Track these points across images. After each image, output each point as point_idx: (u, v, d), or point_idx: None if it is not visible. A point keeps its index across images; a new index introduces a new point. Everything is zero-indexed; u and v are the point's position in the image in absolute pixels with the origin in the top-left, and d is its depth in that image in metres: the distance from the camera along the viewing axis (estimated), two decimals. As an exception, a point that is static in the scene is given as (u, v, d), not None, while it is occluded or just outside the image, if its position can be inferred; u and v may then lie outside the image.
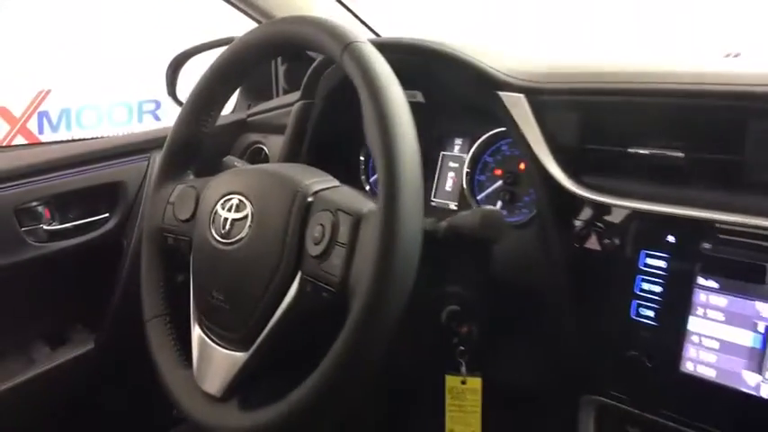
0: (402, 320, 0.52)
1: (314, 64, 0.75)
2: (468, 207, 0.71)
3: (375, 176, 0.85)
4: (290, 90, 1.02)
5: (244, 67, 0.58)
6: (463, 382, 0.57)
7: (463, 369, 0.57)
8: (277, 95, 1.05)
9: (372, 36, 1.01)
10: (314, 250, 0.46)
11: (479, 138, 0.70)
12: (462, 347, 0.57)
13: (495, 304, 0.59)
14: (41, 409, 0.80)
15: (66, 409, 0.82)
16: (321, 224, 0.47)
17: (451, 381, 0.57)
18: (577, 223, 0.50)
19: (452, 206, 0.75)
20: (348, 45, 0.46)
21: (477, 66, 0.57)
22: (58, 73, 2.78)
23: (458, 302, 0.60)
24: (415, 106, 0.66)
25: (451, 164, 0.77)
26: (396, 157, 0.42)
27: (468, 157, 0.72)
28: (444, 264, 0.58)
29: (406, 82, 0.67)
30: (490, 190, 0.70)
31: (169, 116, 0.92)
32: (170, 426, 0.91)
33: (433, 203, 0.77)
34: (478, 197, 0.71)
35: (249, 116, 0.97)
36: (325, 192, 0.50)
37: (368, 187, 0.84)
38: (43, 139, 2.94)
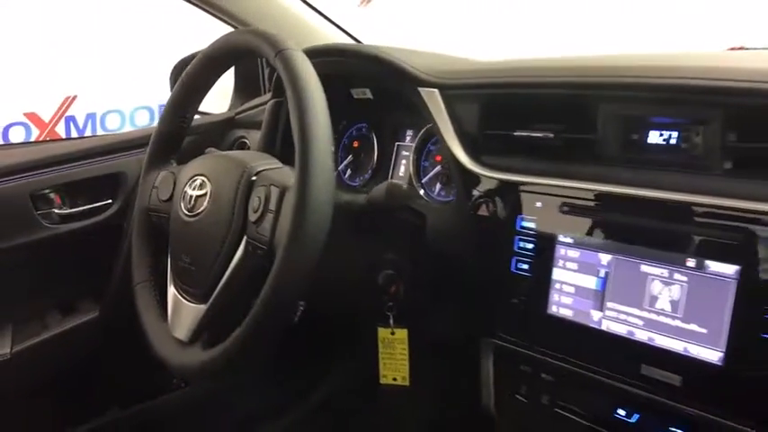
0: (345, 279, 0.64)
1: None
2: (415, 190, 0.82)
3: (343, 163, 0.96)
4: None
5: (209, 74, 0.71)
6: (392, 333, 0.68)
7: (391, 322, 0.67)
8: (264, 94, 1.17)
9: (351, 41, 1.12)
10: (253, 217, 0.58)
11: (423, 129, 0.81)
12: (390, 304, 0.68)
13: (424, 268, 0.69)
14: (53, 367, 0.94)
15: (74, 369, 0.95)
16: (258, 196, 0.58)
17: (382, 332, 0.68)
18: (475, 194, 0.61)
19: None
20: (279, 51, 0.58)
21: (398, 65, 0.68)
22: (83, 79, 2.96)
23: (392, 267, 0.70)
24: (367, 101, 0.78)
25: (404, 152, 0.87)
26: (309, 144, 0.53)
27: (413, 146, 0.83)
28: (381, 234, 0.69)
29: (358, 81, 0.79)
30: (432, 174, 0.81)
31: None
32: (169, 387, 1.05)
33: (391, 186, 0.88)
34: (423, 180, 0.82)
35: (237, 114, 1.09)
36: (267, 171, 0.61)
37: (335, 171, 0.96)
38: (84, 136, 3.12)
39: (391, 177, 0.88)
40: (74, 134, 3.10)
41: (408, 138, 0.87)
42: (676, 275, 0.46)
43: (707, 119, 0.47)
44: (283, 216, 0.55)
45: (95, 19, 2.87)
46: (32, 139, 3.05)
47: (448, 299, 0.66)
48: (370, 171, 0.91)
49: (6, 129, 2.98)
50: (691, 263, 0.46)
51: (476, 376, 0.63)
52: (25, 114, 3.04)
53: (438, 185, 0.79)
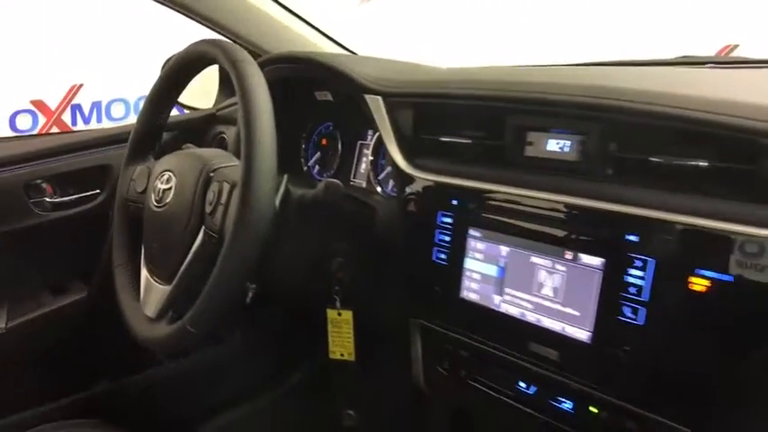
0: (300, 266, 0.72)
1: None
2: (373, 186, 0.90)
3: (312, 159, 1.05)
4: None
5: (179, 78, 0.79)
6: (339, 314, 0.76)
7: (338, 304, 0.76)
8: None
9: (344, 52, 1.19)
10: (208, 209, 0.67)
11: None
12: (337, 288, 0.76)
13: (370, 256, 0.78)
14: (46, 342, 1.04)
15: (65, 344, 1.05)
16: (213, 191, 0.67)
17: (331, 313, 0.77)
18: (407, 191, 0.69)
19: (364, 185, 0.94)
20: (233, 62, 0.66)
21: (346, 73, 0.76)
22: (89, 67, 3.05)
23: (342, 255, 0.79)
24: (329, 103, 0.86)
25: (365, 151, 0.95)
26: (253, 147, 0.61)
27: (371, 146, 0.90)
28: (332, 225, 0.78)
29: (320, 85, 0.87)
30: (385, 172, 0.89)
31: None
32: (152, 362, 1.14)
33: (352, 183, 0.96)
34: (379, 177, 0.90)
35: (218, 110, 1.17)
36: (222, 168, 0.70)
37: (306, 168, 1.04)
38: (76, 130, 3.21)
39: (353, 174, 0.97)
40: (79, 122, 3.20)
41: (369, 137, 0.95)
42: (557, 266, 0.54)
43: (589, 131, 0.54)
44: (231, 209, 0.63)
45: (102, 7, 2.95)
46: (39, 126, 3.16)
47: (388, 284, 0.74)
48: (335, 167, 0.99)
49: (13, 116, 3.09)
50: (568, 255, 0.54)
51: (409, 353, 0.72)
52: (32, 102, 3.14)
53: (391, 182, 0.87)
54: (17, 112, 3.12)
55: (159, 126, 0.86)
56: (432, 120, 0.69)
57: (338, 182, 0.67)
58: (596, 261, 0.51)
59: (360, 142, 0.96)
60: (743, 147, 0.44)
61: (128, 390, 1.11)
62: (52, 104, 3.19)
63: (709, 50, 2.10)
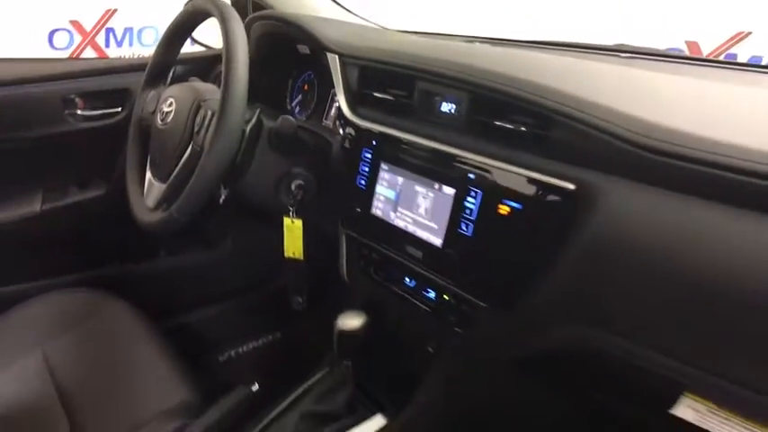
0: (267, 182, 0.96)
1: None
2: (336, 128, 1.13)
3: (295, 101, 1.28)
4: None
5: (185, 26, 1.03)
6: (292, 222, 1.01)
7: (292, 214, 1.00)
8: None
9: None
10: (196, 129, 0.91)
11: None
12: (292, 202, 1.00)
13: (321, 179, 1.01)
14: (71, 226, 1.32)
15: (86, 230, 1.33)
16: (201, 116, 0.91)
17: (286, 221, 1.01)
18: (344, 132, 0.92)
19: (331, 126, 1.16)
20: (224, 19, 0.88)
21: (311, 33, 0.98)
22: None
23: (302, 179, 1.03)
24: (308, 56, 1.08)
25: (336, 97, 1.18)
26: (229, 84, 0.84)
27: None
28: (296, 153, 1.01)
29: (300, 40, 1.09)
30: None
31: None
32: (157, 253, 1.42)
33: (324, 123, 1.19)
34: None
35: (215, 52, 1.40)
36: (209, 100, 0.94)
37: (289, 108, 1.27)
38: (108, 52, 3.46)
39: (325, 116, 1.19)
40: (112, 45, 3.43)
41: (340, 86, 1.17)
42: (429, 193, 0.78)
43: (462, 99, 0.76)
44: (210, 130, 0.87)
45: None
46: (74, 44, 3.40)
47: (329, 202, 0.98)
48: (311, 108, 1.22)
49: (51, 33, 3.33)
50: (436, 186, 0.77)
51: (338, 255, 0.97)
52: (70, 21, 3.37)
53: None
54: (54, 30, 3.36)
55: (170, 61, 1.10)
56: (369, 79, 0.91)
57: (290, 118, 0.91)
58: (451, 191, 0.75)
59: (332, 90, 1.18)
60: (541, 118, 0.66)
61: (132, 272, 1.39)
62: (87, 26, 3.41)
63: (721, 37, 2.23)
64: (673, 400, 0.60)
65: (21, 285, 1.28)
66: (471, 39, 1.36)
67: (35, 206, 1.27)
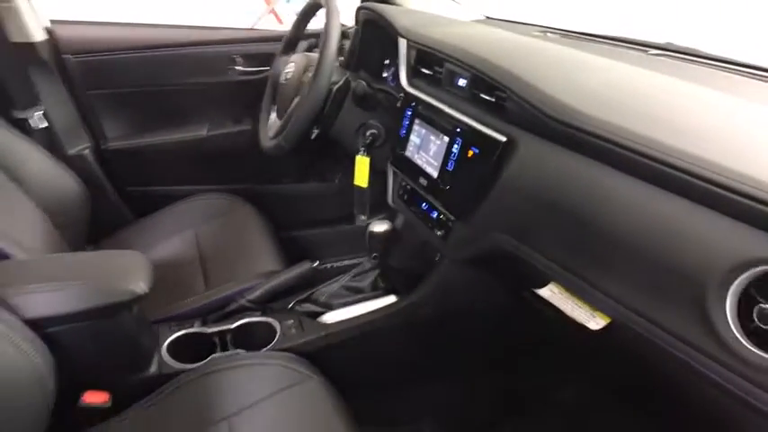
0: (350, 128, 1.40)
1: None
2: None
3: (389, 72, 1.68)
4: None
5: (308, 13, 1.48)
6: (362, 158, 1.42)
7: (363, 153, 1.42)
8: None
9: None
10: (302, 84, 1.36)
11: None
12: (363, 145, 1.41)
13: (387, 128, 1.41)
14: (223, 149, 1.88)
15: (233, 153, 1.89)
16: (307, 76, 1.36)
17: (358, 157, 1.43)
18: (400, 95, 1.31)
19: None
20: (328, 10, 1.32)
21: (389, 21, 1.37)
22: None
23: (374, 128, 1.44)
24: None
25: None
26: (322, 56, 1.28)
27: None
28: (367, 108, 1.42)
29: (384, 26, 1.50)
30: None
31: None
32: (281, 179, 1.94)
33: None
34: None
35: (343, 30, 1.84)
36: (313, 66, 1.38)
37: (383, 76, 1.67)
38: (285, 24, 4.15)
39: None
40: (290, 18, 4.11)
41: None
42: (436, 141, 1.14)
43: (467, 77, 1.11)
44: (306, 86, 1.32)
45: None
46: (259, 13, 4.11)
47: (387, 146, 1.38)
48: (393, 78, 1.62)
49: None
50: (441, 136, 1.13)
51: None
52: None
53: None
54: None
55: (298, 36, 1.57)
56: (421, 58, 1.28)
57: (363, 83, 1.32)
58: (446, 139, 1.11)
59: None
60: (502, 92, 0.99)
61: (262, 190, 1.92)
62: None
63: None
64: (544, 285, 0.92)
65: (185, 187, 1.88)
66: (544, 29, 1.65)
67: (203, 131, 1.85)
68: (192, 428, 1.02)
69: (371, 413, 1.30)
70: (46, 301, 0.98)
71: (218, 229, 1.67)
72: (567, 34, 1.60)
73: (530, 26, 1.71)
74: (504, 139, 0.96)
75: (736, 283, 0.63)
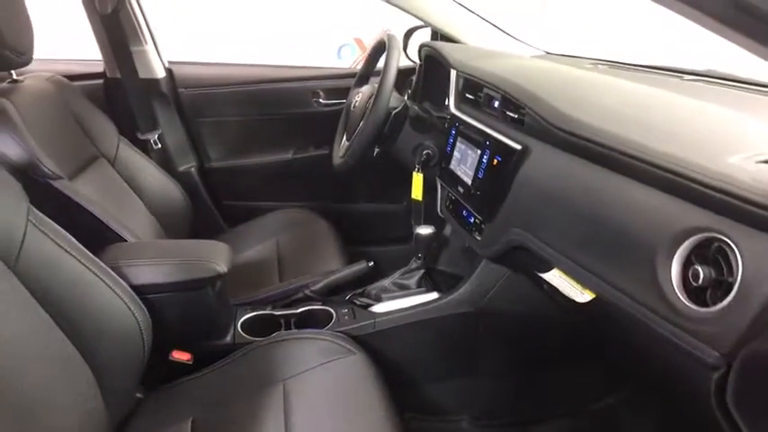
0: (407, 148, 1.63)
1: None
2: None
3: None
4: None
5: (377, 53, 1.73)
6: (417, 175, 1.63)
7: (418, 170, 1.62)
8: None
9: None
10: (367, 111, 1.61)
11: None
12: (419, 163, 1.62)
13: (439, 150, 1.61)
14: (305, 174, 2.17)
15: (314, 178, 2.17)
16: (370, 104, 1.61)
17: (414, 174, 1.64)
18: (448, 117, 1.51)
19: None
20: (389, 48, 1.56)
21: (444, 56, 1.58)
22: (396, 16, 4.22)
23: (429, 149, 1.65)
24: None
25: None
26: (381, 86, 1.52)
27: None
28: (423, 130, 1.64)
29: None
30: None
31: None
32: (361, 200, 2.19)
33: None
34: (469, 115, 1.72)
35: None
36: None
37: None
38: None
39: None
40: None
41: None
42: (472, 154, 1.33)
43: (498, 98, 1.29)
44: (368, 111, 1.56)
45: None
46: (355, 56, 4.48)
47: (436, 162, 1.58)
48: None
49: (339, 48, 4.46)
50: (476, 149, 1.31)
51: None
52: (354, 39, 4.47)
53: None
54: (342, 46, 4.49)
55: (369, 72, 1.83)
56: (467, 86, 1.49)
57: (416, 108, 1.54)
58: (479, 151, 1.29)
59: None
60: (523, 110, 1.17)
61: (338, 208, 2.18)
62: (367, 42, 4.45)
63: None
64: (549, 270, 1.06)
65: (271, 202, 2.17)
66: (596, 62, 1.80)
67: (288, 155, 2.15)
68: (255, 388, 1.24)
69: (411, 400, 1.47)
70: (147, 273, 1.27)
71: (295, 238, 1.94)
72: (615, 65, 1.74)
73: (584, 59, 1.87)
74: (519, 147, 1.13)
75: (680, 249, 0.76)
